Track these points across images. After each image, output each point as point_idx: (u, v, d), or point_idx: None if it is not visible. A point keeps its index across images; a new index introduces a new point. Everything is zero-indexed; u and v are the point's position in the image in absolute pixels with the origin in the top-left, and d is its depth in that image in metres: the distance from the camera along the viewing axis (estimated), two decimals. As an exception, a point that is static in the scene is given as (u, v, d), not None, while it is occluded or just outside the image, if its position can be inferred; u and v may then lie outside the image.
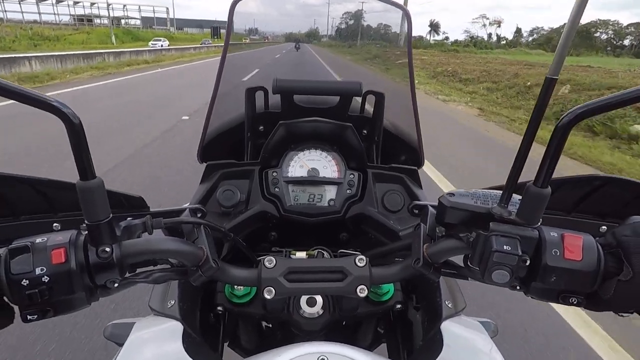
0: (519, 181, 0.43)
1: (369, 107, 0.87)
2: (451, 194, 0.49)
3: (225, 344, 0.82)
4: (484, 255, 0.43)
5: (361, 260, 0.55)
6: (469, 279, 0.52)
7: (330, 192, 0.79)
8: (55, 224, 0.57)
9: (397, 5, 0.80)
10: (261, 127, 0.86)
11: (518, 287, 0.46)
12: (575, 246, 0.42)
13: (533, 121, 0.39)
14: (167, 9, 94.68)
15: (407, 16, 0.76)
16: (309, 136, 0.79)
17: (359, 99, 0.85)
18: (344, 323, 0.84)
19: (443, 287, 0.69)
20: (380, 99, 0.82)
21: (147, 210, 0.62)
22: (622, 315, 0.44)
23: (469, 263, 0.46)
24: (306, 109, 0.82)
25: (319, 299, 0.66)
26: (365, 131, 0.87)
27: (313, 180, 0.78)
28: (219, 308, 0.70)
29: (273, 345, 0.52)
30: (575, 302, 0.44)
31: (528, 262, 0.42)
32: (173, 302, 0.64)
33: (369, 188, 0.79)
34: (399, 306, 0.72)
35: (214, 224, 0.58)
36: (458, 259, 0.53)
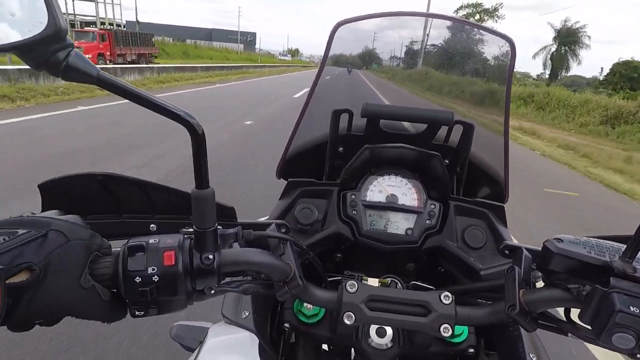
0: None
1: (454, 137, 0.84)
2: (559, 240, 0.46)
3: None
4: (602, 313, 0.39)
5: (447, 297, 0.52)
6: (570, 335, 0.47)
7: (408, 221, 0.77)
8: (152, 225, 0.60)
9: (500, 35, 0.77)
10: (341, 149, 0.87)
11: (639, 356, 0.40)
12: None
13: None
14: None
15: (511, 46, 0.73)
16: (392, 162, 0.78)
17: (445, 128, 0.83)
18: None
19: (525, 337, 0.64)
20: (468, 130, 0.79)
21: (236, 220, 0.65)
22: None
23: (577, 319, 0.42)
24: (390, 134, 0.81)
25: (389, 330, 0.63)
26: (447, 161, 0.85)
27: (392, 207, 0.77)
28: (286, 325, 0.69)
29: None
30: None
31: None
32: (247, 314, 0.65)
33: (449, 221, 0.76)
34: (471, 350, 0.68)
35: (297, 241, 0.59)
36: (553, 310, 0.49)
